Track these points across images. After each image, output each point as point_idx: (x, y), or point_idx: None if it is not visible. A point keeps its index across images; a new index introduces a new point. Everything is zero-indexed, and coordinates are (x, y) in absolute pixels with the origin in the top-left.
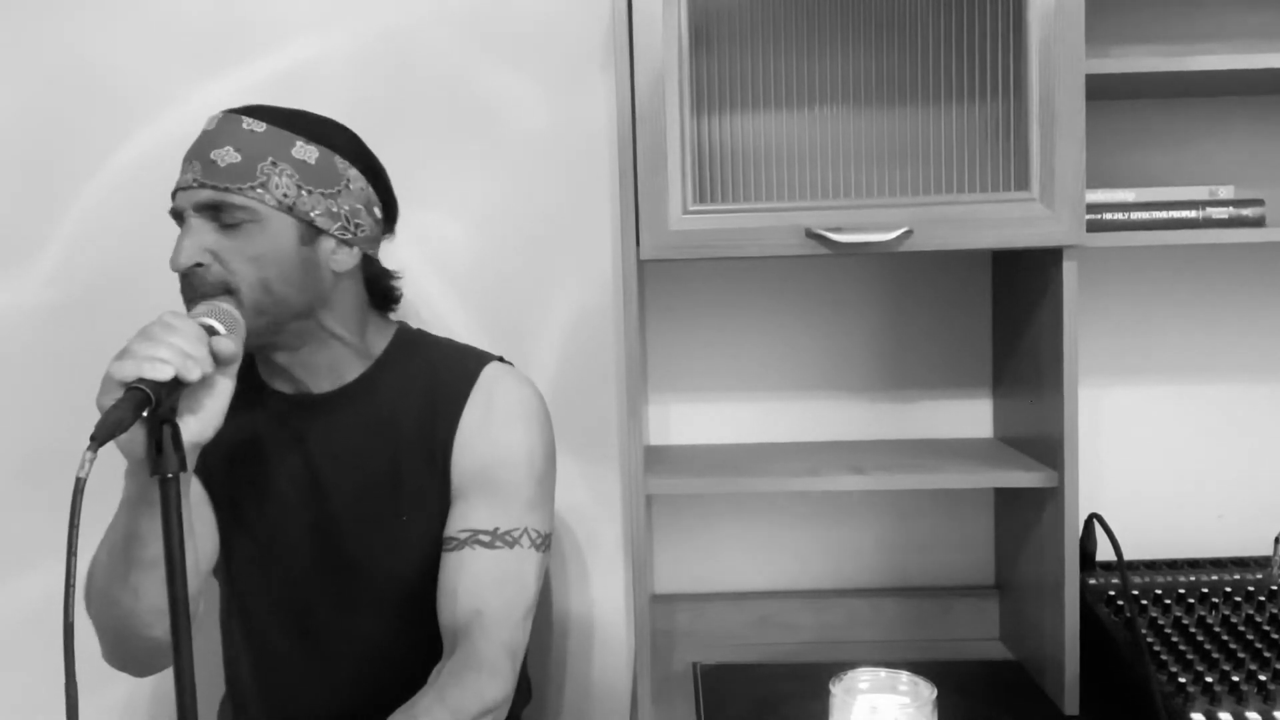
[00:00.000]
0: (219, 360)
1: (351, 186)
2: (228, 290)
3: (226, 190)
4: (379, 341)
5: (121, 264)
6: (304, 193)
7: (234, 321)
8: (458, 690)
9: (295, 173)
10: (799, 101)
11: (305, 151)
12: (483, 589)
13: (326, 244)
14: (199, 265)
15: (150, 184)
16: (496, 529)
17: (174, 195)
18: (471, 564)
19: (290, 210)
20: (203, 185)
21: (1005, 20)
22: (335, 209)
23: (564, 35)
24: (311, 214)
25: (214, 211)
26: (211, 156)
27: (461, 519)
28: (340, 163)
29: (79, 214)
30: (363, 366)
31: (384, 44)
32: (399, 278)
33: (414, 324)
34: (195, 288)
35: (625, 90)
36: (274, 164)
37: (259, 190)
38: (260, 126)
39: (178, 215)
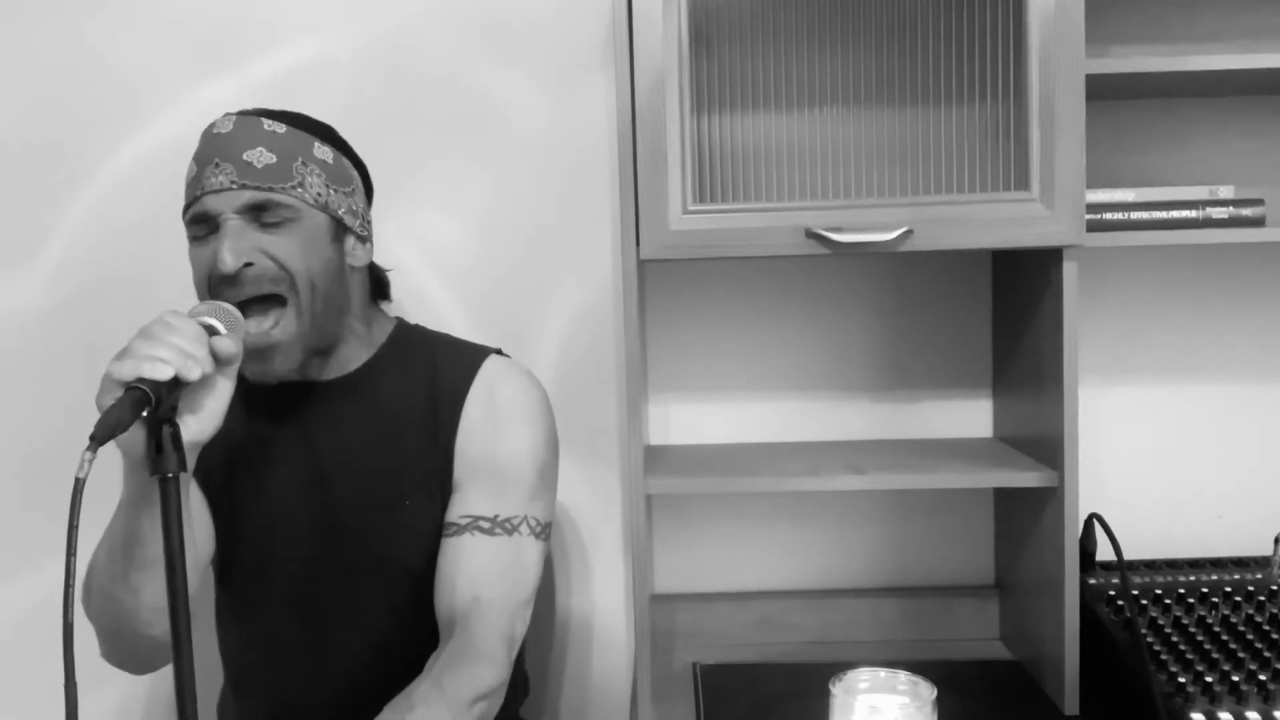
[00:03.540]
0: (219, 360)
1: (358, 186)
2: (278, 296)
3: (271, 190)
4: (380, 333)
5: (122, 264)
6: (331, 191)
7: (235, 321)
8: (453, 676)
9: (321, 172)
10: (799, 101)
11: (323, 152)
12: (482, 576)
13: (350, 241)
14: (248, 265)
15: (150, 184)
16: (497, 516)
17: (198, 199)
18: (471, 550)
19: (324, 208)
20: (244, 186)
21: (1005, 20)
22: (354, 206)
23: (564, 35)
24: (339, 211)
25: (256, 212)
26: (245, 158)
27: (462, 505)
28: (347, 163)
29: (79, 214)
30: (365, 357)
31: (384, 44)
32: (390, 270)
33: (414, 322)
34: (244, 287)
35: (625, 90)
36: (304, 164)
37: (298, 189)
38: (280, 128)
39: (206, 219)
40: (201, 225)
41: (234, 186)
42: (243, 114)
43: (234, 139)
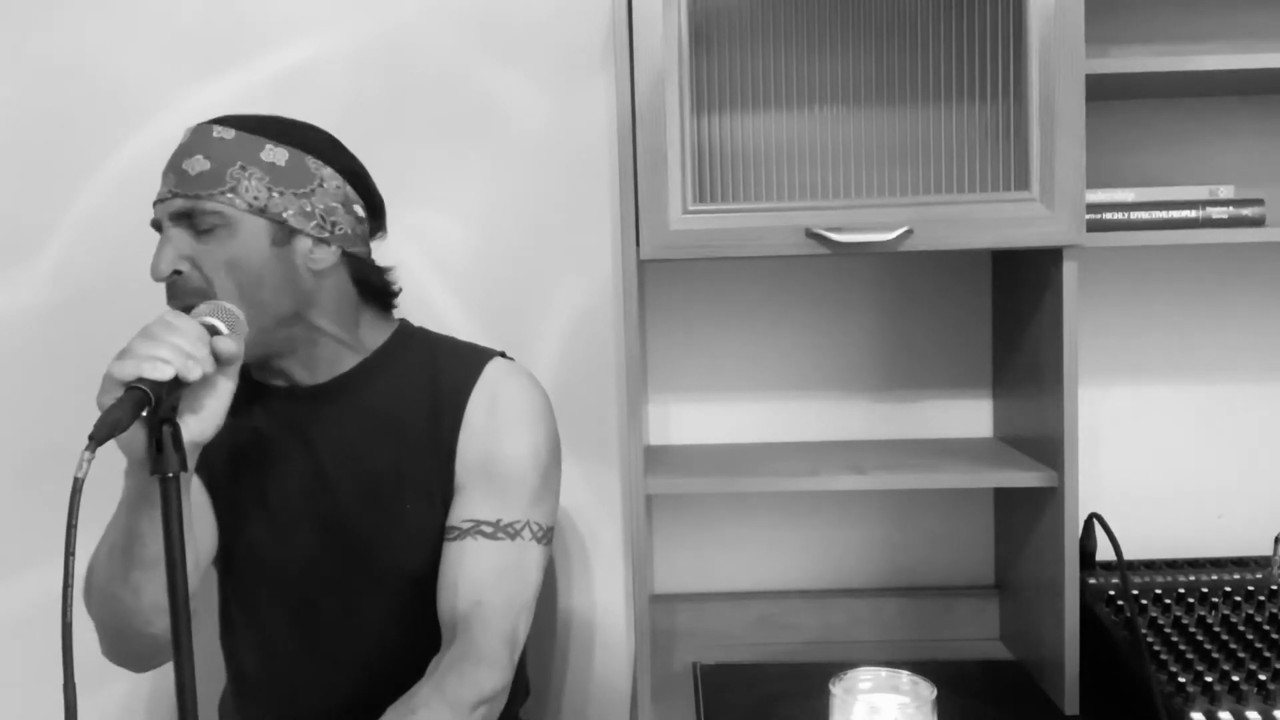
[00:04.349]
0: (220, 360)
1: (326, 185)
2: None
3: (197, 198)
4: (376, 337)
5: (122, 264)
6: (275, 194)
7: (236, 321)
8: (455, 680)
9: (265, 175)
10: (799, 101)
11: (274, 154)
12: (483, 580)
13: (303, 244)
14: (177, 273)
15: (150, 184)
16: (499, 520)
17: (153, 208)
18: (473, 554)
19: (262, 212)
20: (175, 195)
21: (1005, 20)
22: (309, 208)
23: (564, 35)
24: (284, 214)
25: (188, 219)
26: (184, 167)
27: (464, 509)
28: (312, 163)
29: (79, 214)
30: (357, 359)
31: (383, 44)
32: (391, 270)
33: (414, 323)
34: (176, 296)
35: (625, 90)
36: (243, 168)
37: (228, 195)
38: (229, 133)
39: (157, 227)
40: (159, 233)
41: (170, 196)
42: (203, 123)
43: (183, 149)
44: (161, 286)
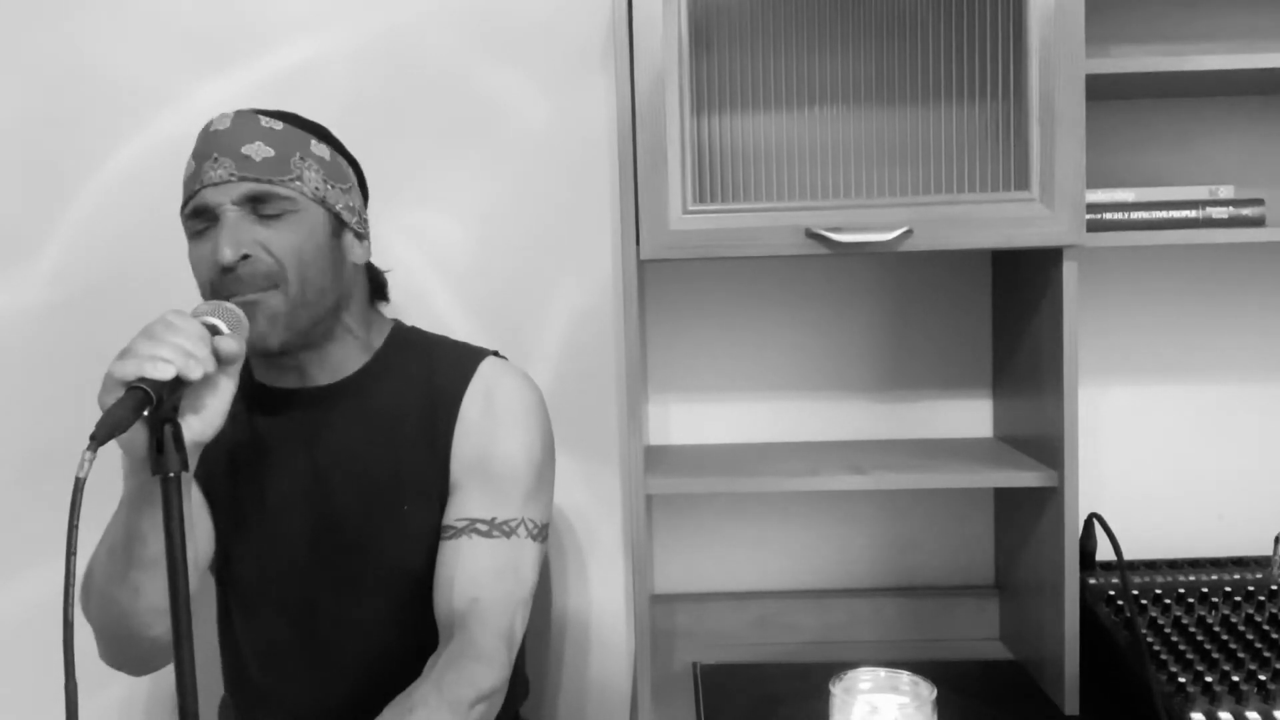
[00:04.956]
0: (221, 359)
1: (355, 184)
2: (273, 284)
3: (270, 182)
4: (378, 336)
5: (121, 264)
6: (329, 187)
7: (237, 320)
8: (453, 678)
9: (319, 168)
10: (799, 101)
11: (320, 149)
12: (479, 578)
13: (348, 237)
14: (245, 257)
15: (150, 184)
16: (494, 518)
17: (197, 193)
18: (468, 553)
19: (322, 202)
20: (243, 178)
21: (1005, 20)
22: (351, 203)
23: (564, 35)
24: (337, 206)
25: (255, 204)
26: (244, 152)
27: (459, 508)
28: (343, 161)
29: (79, 214)
30: (363, 360)
31: (384, 44)
32: (389, 271)
33: (413, 323)
34: (241, 281)
35: (625, 90)
36: (301, 159)
37: (297, 182)
38: (278, 125)
39: (204, 212)
40: (200, 219)
41: (233, 179)
42: (240, 112)
43: (232, 134)
44: (163, 283)
